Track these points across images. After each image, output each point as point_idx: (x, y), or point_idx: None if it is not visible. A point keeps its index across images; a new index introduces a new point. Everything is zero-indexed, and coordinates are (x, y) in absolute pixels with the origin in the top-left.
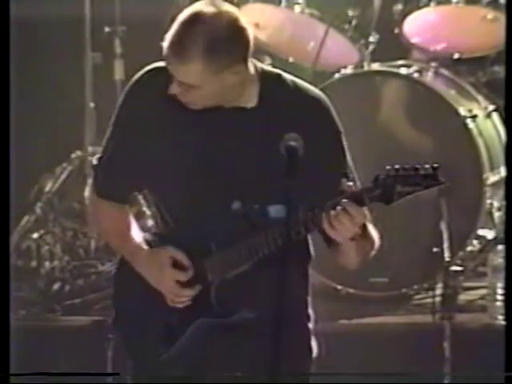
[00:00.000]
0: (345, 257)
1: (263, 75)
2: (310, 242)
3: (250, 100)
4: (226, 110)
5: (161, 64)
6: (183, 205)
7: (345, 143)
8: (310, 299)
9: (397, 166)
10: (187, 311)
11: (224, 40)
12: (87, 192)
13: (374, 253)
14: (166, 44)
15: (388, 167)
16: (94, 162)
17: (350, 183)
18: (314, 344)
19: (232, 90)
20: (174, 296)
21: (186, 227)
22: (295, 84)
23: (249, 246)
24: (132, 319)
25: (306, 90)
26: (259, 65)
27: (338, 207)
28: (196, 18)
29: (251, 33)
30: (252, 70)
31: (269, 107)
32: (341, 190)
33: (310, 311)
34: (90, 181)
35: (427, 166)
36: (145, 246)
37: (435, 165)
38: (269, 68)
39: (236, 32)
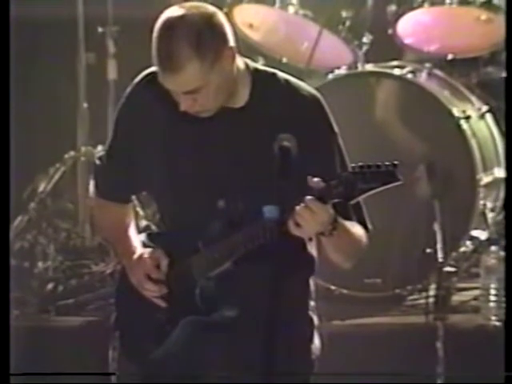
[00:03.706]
0: (327, 253)
1: (256, 74)
2: (313, 245)
3: (240, 100)
4: (215, 112)
5: None
6: (175, 205)
7: (341, 142)
8: (312, 303)
9: (361, 164)
10: (174, 310)
11: (202, 30)
12: (90, 191)
13: (361, 250)
14: (155, 65)
15: (353, 165)
16: (97, 162)
17: (317, 179)
18: (314, 347)
19: (234, 81)
20: (140, 287)
21: (176, 226)
22: (289, 82)
23: (228, 244)
24: (131, 320)
25: (299, 88)
26: (252, 64)
27: (302, 204)
28: (168, 25)
29: (222, 17)
30: (243, 69)
31: (259, 106)
32: (309, 187)
33: (311, 314)
34: (83, 181)
35: (388, 163)
36: (140, 248)
37: (395, 162)
38: (263, 67)
39: (208, 20)
